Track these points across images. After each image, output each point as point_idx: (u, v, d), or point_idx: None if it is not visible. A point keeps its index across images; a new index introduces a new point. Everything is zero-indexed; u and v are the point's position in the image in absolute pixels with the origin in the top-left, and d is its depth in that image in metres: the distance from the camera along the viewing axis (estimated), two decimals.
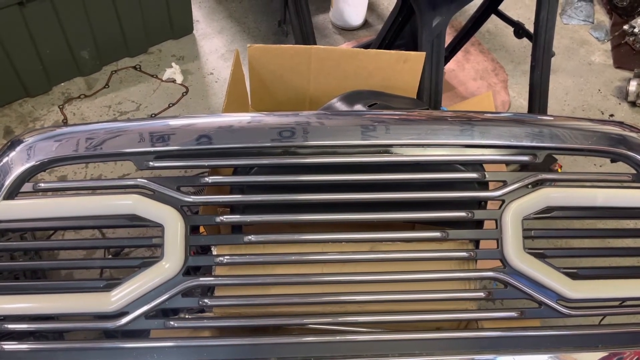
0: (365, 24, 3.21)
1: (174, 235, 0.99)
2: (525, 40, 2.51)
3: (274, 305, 1.05)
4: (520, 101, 2.87)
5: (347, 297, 1.05)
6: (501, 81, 2.95)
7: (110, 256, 1.92)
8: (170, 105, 2.69)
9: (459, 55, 2.86)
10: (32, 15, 2.38)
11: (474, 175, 1.06)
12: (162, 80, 2.79)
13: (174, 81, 2.79)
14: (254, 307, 1.07)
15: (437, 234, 1.04)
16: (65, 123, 2.54)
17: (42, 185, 1.04)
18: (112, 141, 1.07)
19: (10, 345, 0.99)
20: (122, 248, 1.94)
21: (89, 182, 1.06)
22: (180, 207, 1.02)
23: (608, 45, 3.22)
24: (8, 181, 1.04)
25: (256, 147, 1.06)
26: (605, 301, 1.05)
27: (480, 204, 1.10)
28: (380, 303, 1.06)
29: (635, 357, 1.02)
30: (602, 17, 3.40)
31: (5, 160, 1.06)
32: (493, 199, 1.04)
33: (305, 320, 1.03)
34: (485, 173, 1.06)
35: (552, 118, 1.15)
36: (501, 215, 1.03)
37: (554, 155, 2.36)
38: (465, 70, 2.96)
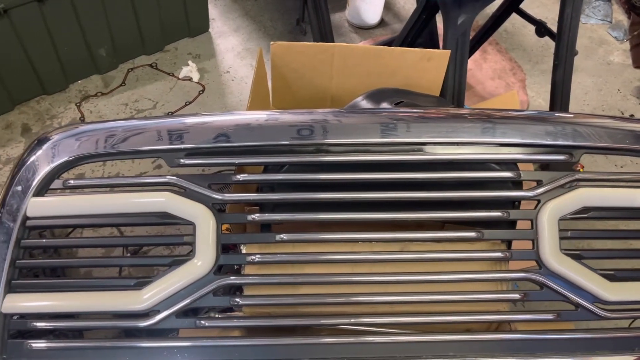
0: (382, 23, 3.19)
1: (206, 233, 0.98)
2: (543, 39, 2.49)
3: (304, 305, 1.04)
4: (539, 101, 2.84)
5: (377, 297, 1.03)
6: (519, 81, 2.92)
7: (128, 255, 1.91)
8: (187, 103, 2.69)
9: (477, 54, 2.84)
10: (50, 12, 2.38)
11: (509, 174, 1.04)
12: (179, 79, 2.79)
13: (190, 79, 2.78)
14: (283, 307, 1.06)
15: (472, 234, 1.02)
16: (82, 121, 2.54)
17: (72, 182, 1.03)
18: (140, 138, 1.06)
19: (38, 344, 0.98)
20: (140, 247, 1.93)
21: (118, 180, 1.05)
22: (211, 204, 1.00)
23: (627, 45, 3.18)
24: (37, 178, 1.03)
25: (286, 145, 1.05)
26: None
27: (514, 204, 1.08)
28: (411, 304, 1.04)
29: None
30: (620, 16, 3.36)
31: (33, 158, 1.05)
32: (529, 198, 1.02)
33: (336, 321, 1.02)
34: (520, 172, 1.04)
35: (584, 116, 1.13)
36: (537, 215, 1.01)
37: None
38: (483, 70, 2.94)
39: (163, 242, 1.03)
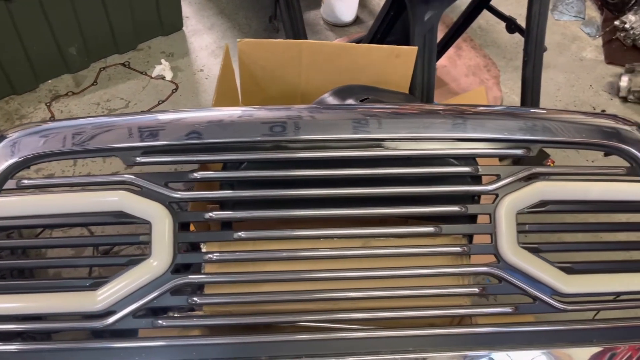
0: (357, 20, 3.19)
1: (162, 232, 0.97)
2: (516, 36, 2.50)
3: (265, 303, 1.03)
4: (512, 97, 2.86)
5: (339, 293, 1.03)
6: (493, 77, 2.94)
7: (99, 254, 1.89)
8: (160, 102, 2.66)
9: (451, 51, 2.85)
10: (18, 11, 2.34)
11: (467, 169, 1.04)
12: (152, 77, 2.76)
13: (163, 78, 2.76)
14: (245, 305, 1.05)
15: (430, 229, 1.02)
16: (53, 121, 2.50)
17: (26, 182, 1.01)
18: (98, 137, 1.04)
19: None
20: (111, 246, 1.91)
21: (74, 179, 1.04)
22: (168, 203, 0.99)
23: (599, 41, 3.22)
24: None
25: (246, 142, 1.04)
26: (600, 295, 1.04)
27: (474, 198, 1.08)
28: (373, 300, 1.04)
29: (630, 352, 1.01)
30: (593, 13, 3.40)
31: None
32: (487, 192, 1.03)
33: (297, 318, 1.02)
34: (479, 167, 1.05)
35: (545, 111, 1.14)
36: (495, 209, 1.02)
37: (547, 151, 2.35)
38: (457, 67, 2.95)
39: (117, 242, 1.01)
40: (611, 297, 1.07)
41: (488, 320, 1.03)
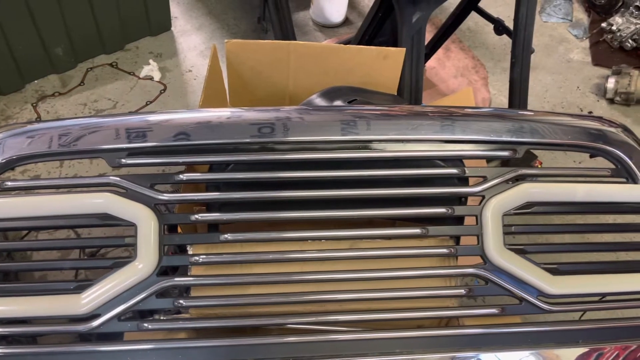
0: (346, 22, 3.19)
1: (147, 235, 0.96)
2: (505, 37, 2.52)
3: (252, 306, 1.03)
4: (500, 98, 2.88)
5: (327, 295, 1.03)
6: (482, 78, 2.96)
7: (85, 257, 1.87)
8: (148, 103, 2.64)
9: (440, 52, 2.86)
10: (3, 10, 2.31)
11: (453, 170, 1.05)
12: (140, 78, 2.74)
13: (151, 78, 2.74)
14: (232, 308, 1.04)
15: (416, 231, 1.02)
16: (39, 122, 2.48)
17: (9, 184, 1.00)
18: (84, 138, 1.04)
19: None
20: (98, 249, 1.90)
21: (59, 181, 1.02)
22: (154, 205, 0.99)
23: (586, 43, 3.25)
24: None
25: (233, 144, 1.04)
26: (586, 296, 1.05)
27: (461, 200, 1.09)
28: (361, 301, 1.04)
29: (616, 353, 1.01)
30: (580, 15, 3.43)
31: None
32: (473, 194, 1.03)
33: (284, 320, 1.01)
34: (465, 169, 1.05)
35: (532, 113, 1.15)
36: (481, 211, 1.02)
37: (535, 152, 2.37)
38: (446, 68, 2.97)
39: (102, 244, 1.01)
40: (597, 298, 1.07)
41: (475, 321, 1.04)
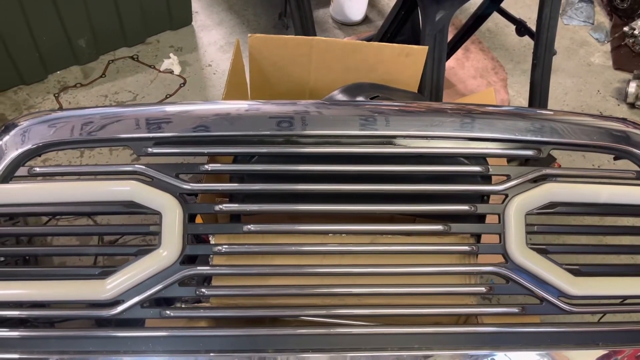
0: (366, 20, 3.19)
1: (172, 223, 0.97)
2: (525, 39, 2.50)
3: (271, 297, 1.04)
4: (519, 100, 2.86)
5: (346, 289, 1.03)
6: (501, 80, 2.94)
7: (102, 245, 1.89)
8: (168, 96, 2.67)
9: (459, 53, 2.85)
10: (28, 2, 2.34)
11: (477, 168, 1.05)
12: (160, 71, 2.77)
13: (171, 72, 2.76)
14: (251, 298, 1.05)
15: (439, 227, 1.02)
16: None
17: (38, 169, 1.02)
18: (109, 127, 1.05)
19: (1, 333, 0.97)
20: (116, 237, 1.92)
21: (86, 168, 1.04)
22: (178, 194, 1.00)
23: (608, 47, 3.22)
24: (2, 165, 1.02)
25: (257, 135, 1.04)
26: (606, 299, 1.04)
27: (483, 198, 1.08)
28: (379, 296, 1.05)
29: (635, 355, 1.01)
30: (602, 18, 3.40)
31: None
32: (497, 192, 1.03)
33: (303, 312, 1.02)
34: (489, 167, 1.05)
35: (555, 113, 1.14)
36: (504, 209, 1.02)
37: (553, 155, 2.35)
38: (465, 68, 2.95)
39: (127, 232, 1.02)
40: (617, 301, 1.07)
41: (494, 320, 1.03)
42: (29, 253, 1.09)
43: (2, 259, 1.52)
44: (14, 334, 0.97)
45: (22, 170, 1.02)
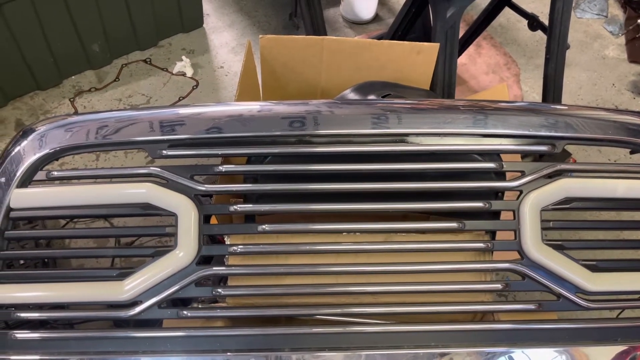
0: (376, 18, 3.19)
1: (188, 224, 0.98)
2: (537, 34, 2.48)
3: (287, 296, 1.04)
4: (532, 95, 2.84)
5: (361, 287, 1.04)
6: (513, 75, 2.92)
7: (119, 247, 1.92)
8: (181, 98, 2.69)
9: (471, 49, 2.84)
10: (43, 7, 2.38)
11: (491, 165, 1.04)
12: (173, 74, 2.79)
13: (184, 74, 2.79)
14: (267, 298, 1.06)
15: (453, 225, 1.02)
16: None
17: (56, 173, 1.03)
18: (124, 130, 1.06)
19: (22, 335, 0.99)
20: (134, 239, 1.94)
21: (102, 171, 1.05)
22: (193, 195, 1.01)
23: (622, 40, 3.18)
24: (21, 169, 1.03)
25: (270, 136, 1.05)
26: (625, 294, 1.03)
27: (497, 194, 1.08)
28: (394, 294, 1.05)
29: None
30: (616, 11, 3.35)
31: (17, 148, 1.06)
32: (511, 189, 1.02)
33: (319, 311, 1.02)
34: (503, 163, 1.04)
35: (569, 108, 1.13)
36: (519, 206, 1.01)
37: (568, 150, 2.33)
38: (477, 64, 2.94)
39: (144, 233, 1.03)
40: (636, 296, 1.06)
41: (511, 317, 1.03)
42: (48, 255, 1.10)
43: (22, 261, 1.56)
44: (35, 335, 0.99)
45: (40, 175, 1.04)
